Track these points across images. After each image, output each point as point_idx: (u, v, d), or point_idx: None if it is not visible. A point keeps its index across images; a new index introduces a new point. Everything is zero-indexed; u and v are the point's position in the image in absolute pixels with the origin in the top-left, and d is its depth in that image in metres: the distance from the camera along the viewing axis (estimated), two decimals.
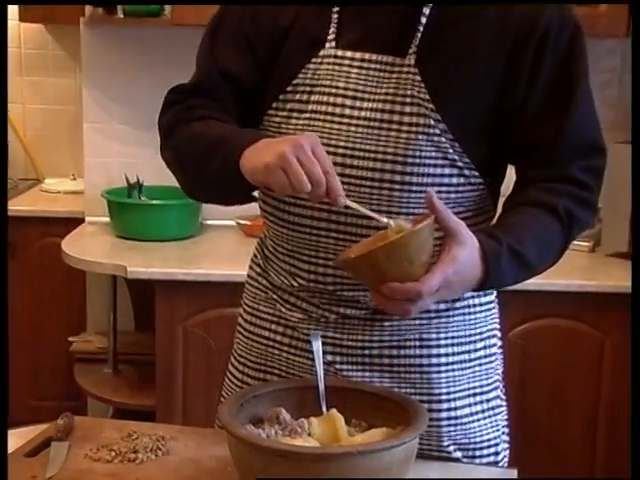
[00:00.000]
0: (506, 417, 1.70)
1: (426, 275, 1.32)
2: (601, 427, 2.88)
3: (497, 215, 1.61)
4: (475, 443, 1.63)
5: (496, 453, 1.66)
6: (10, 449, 1.48)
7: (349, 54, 1.52)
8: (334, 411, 1.43)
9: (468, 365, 1.63)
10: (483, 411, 1.65)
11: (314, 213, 1.50)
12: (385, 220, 1.38)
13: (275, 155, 1.32)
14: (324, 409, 1.46)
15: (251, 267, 1.75)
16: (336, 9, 1.53)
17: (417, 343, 1.59)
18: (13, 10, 3.85)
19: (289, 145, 1.32)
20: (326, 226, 1.50)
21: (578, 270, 2.91)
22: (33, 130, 4.24)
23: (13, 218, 3.62)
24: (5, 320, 2.32)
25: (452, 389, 1.61)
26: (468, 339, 1.63)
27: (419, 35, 1.49)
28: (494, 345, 1.68)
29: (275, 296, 1.66)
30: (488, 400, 1.66)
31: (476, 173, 1.52)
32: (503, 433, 1.69)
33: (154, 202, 3.26)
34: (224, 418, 1.37)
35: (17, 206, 3.75)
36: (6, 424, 1.56)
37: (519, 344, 2.78)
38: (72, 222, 3.46)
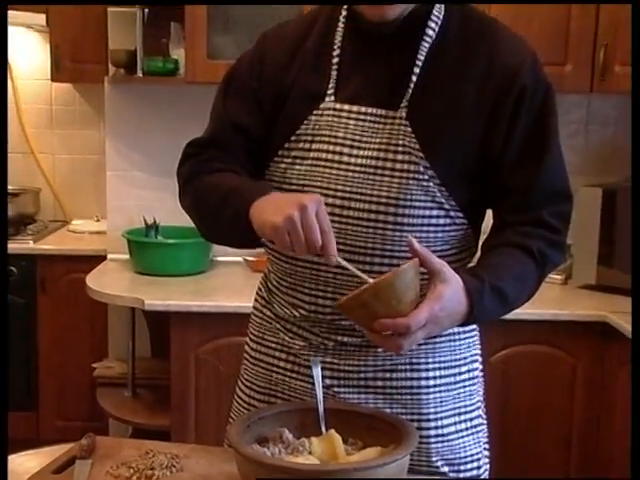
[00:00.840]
0: (487, 434, 1.69)
1: (414, 311, 1.32)
2: (574, 444, 2.87)
3: (477, 252, 1.62)
4: (460, 458, 1.62)
5: (478, 467, 1.65)
6: (38, 467, 1.48)
7: (347, 107, 1.53)
8: (332, 431, 1.42)
9: (453, 387, 1.62)
10: (467, 429, 1.64)
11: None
12: (370, 280, 1.38)
13: (283, 217, 1.32)
14: (323, 429, 1.45)
15: (256, 299, 1.75)
16: (335, 66, 1.54)
17: (407, 367, 1.58)
18: (46, 71, 3.89)
19: (296, 208, 1.32)
20: (325, 261, 1.49)
21: (552, 301, 2.91)
22: (61, 177, 4.25)
23: (43, 256, 3.67)
24: (5, 324, 2.28)
25: (439, 409, 1.60)
26: (453, 364, 1.62)
27: (410, 91, 1.50)
28: (476, 369, 1.68)
29: (278, 326, 1.65)
30: (471, 419, 1.65)
31: (461, 214, 1.53)
32: (484, 449, 1.68)
33: (169, 241, 3.25)
34: (232, 438, 1.36)
35: (46, 245, 3.75)
36: (6, 425, 1.54)
37: (499, 368, 2.77)
38: (95, 259, 3.45)
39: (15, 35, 4.11)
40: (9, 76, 4.17)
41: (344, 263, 1.40)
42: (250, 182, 1.52)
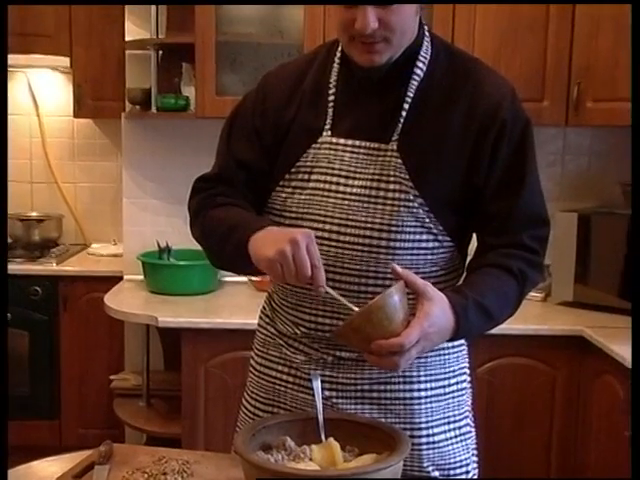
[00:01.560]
0: (475, 441, 1.68)
1: (405, 330, 1.32)
2: (554, 448, 2.86)
3: (463, 273, 1.62)
4: (450, 464, 1.61)
5: (467, 472, 1.64)
6: (60, 471, 1.48)
7: (342, 141, 1.53)
8: (331, 439, 1.41)
9: (443, 398, 1.61)
10: (456, 436, 1.63)
11: None
12: (356, 308, 1.38)
13: (276, 251, 1.34)
14: (323, 438, 1.44)
15: (261, 317, 1.74)
16: (331, 104, 1.54)
17: (400, 380, 1.57)
18: (69, 108, 3.90)
19: (288, 243, 1.34)
20: None
21: (533, 317, 2.90)
22: (82, 204, 4.25)
23: (65, 277, 3.66)
24: (5, 331, 2.25)
25: (430, 418, 1.60)
26: (443, 376, 1.62)
27: (400, 126, 1.50)
28: (465, 381, 1.67)
29: (281, 341, 1.65)
30: (460, 427, 1.64)
31: (448, 238, 1.53)
32: (472, 454, 1.67)
33: (180, 263, 3.24)
34: (239, 445, 1.35)
35: (68, 267, 3.74)
36: (6, 426, 1.53)
37: (485, 379, 2.76)
38: (113, 280, 3.44)
39: (42, 76, 4.14)
40: (36, 113, 4.19)
41: (332, 293, 1.41)
42: (250, 217, 1.53)
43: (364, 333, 1.31)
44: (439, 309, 1.36)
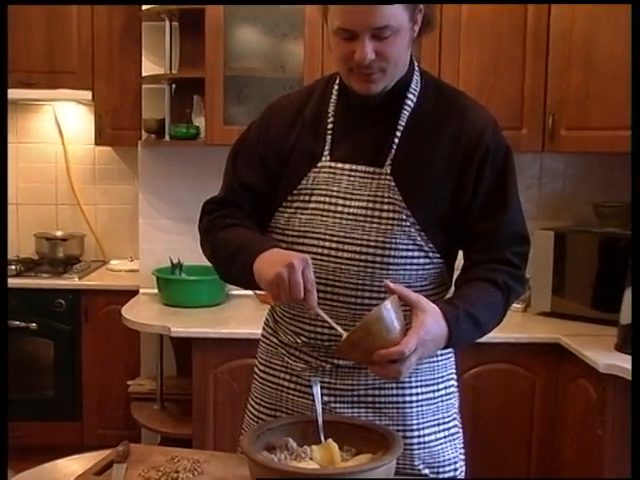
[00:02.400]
0: (462, 440, 1.67)
1: (404, 338, 1.30)
2: (534, 445, 2.84)
3: (451, 286, 1.61)
4: (439, 462, 1.60)
5: (455, 469, 1.62)
6: (82, 469, 1.46)
7: (340, 165, 1.53)
8: (330, 440, 1.40)
9: (433, 401, 1.60)
10: (445, 437, 1.62)
11: None
12: (341, 331, 1.38)
13: (274, 274, 1.35)
14: (322, 439, 1.42)
15: (264, 328, 1.73)
16: (329, 131, 1.54)
17: (393, 385, 1.56)
18: (90, 137, 3.90)
19: (285, 267, 1.35)
20: (322, 296, 1.48)
21: (514, 326, 2.89)
22: (102, 224, 4.24)
23: (86, 290, 3.66)
24: (5, 332, 2.23)
25: (421, 420, 1.58)
26: (432, 382, 1.60)
27: (393, 151, 1.50)
28: (452, 386, 1.66)
29: (283, 350, 1.64)
30: (448, 428, 1.63)
31: (437, 255, 1.52)
32: (460, 453, 1.66)
33: (191, 278, 3.23)
34: (245, 446, 1.35)
35: (89, 281, 3.73)
36: (6, 427, 1.52)
37: (471, 384, 2.75)
38: (130, 293, 3.43)
39: (66, 108, 4.15)
40: (61, 142, 4.19)
41: (322, 314, 1.40)
42: (254, 239, 1.52)
43: (364, 346, 1.29)
44: (433, 319, 1.35)
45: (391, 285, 1.36)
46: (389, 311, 1.30)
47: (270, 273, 1.36)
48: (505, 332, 2.71)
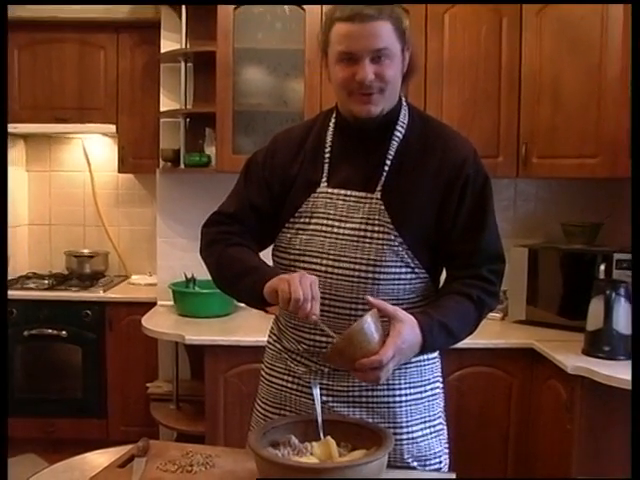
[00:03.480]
0: (447, 436, 1.65)
1: (382, 348, 1.30)
2: (511, 440, 2.82)
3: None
4: (426, 456, 1.59)
5: (440, 462, 1.61)
6: (107, 462, 1.47)
7: (336, 191, 1.52)
8: (329, 437, 1.39)
9: (420, 401, 1.59)
10: (431, 433, 1.60)
11: None
12: (335, 337, 1.38)
13: (289, 276, 1.34)
14: (322, 436, 1.41)
15: (269, 336, 1.73)
16: (327, 160, 1.54)
17: (385, 387, 1.55)
18: (114, 165, 3.90)
19: (298, 274, 1.35)
20: (321, 308, 1.45)
21: (493, 333, 2.89)
22: (124, 243, 4.24)
23: (110, 302, 3.65)
24: (5, 333, 2.21)
25: (410, 418, 1.57)
26: (420, 383, 1.59)
27: (383, 179, 1.50)
28: (438, 387, 1.65)
29: (286, 356, 1.63)
30: (434, 425, 1.61)
31: (423, 271, 1.52)
32: (445, 447, 1.64)
33: (203, 291, 3.21)
34: (252, 442, 1.34)
35: (113, 294, 3.72)
36: (6, 428, 1.51)
37: (455, 385, 2.73)
38: (148, 305, 3.42)
39: (93, 140, 4.16)
40: (88, 170, 4.20)
41: (320, 323, 1.38)
42: (265, 265, 1.50)
43: (348, 354, 1.30)
44: (409, 328, 1.35)
45: (371, 299, 1.36)
46: (369, 324, 1.30)
47: (285, 278, 1.35)
48: (485, 339, 2.72)
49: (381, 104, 1.47)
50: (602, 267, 2.75)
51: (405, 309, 1.40)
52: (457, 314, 1.47)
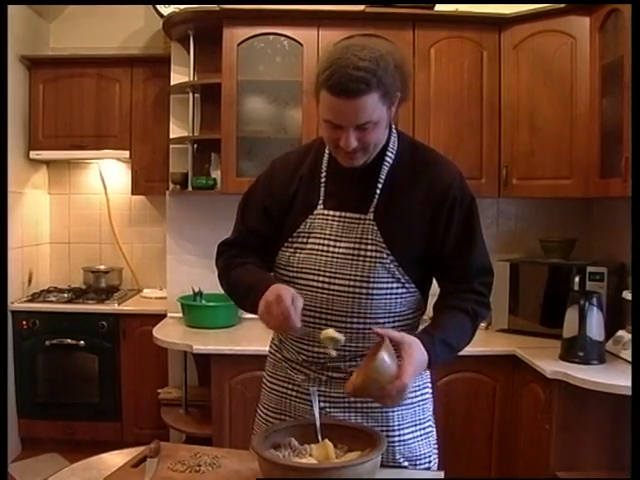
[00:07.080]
0: (436, 438, 1.65)
1: (403, 372, 1.29)
2: (495, 439, 2.81)
3: (426, 310, 1.60)
4: (416, 456, 1.58)
5: (429, 462, 1.60)
6: (121, 462, 1.47)
7: (332, 212, 1.52)
8: (326, 440, 1.39)
9: (411, 406, 1.58)
10: (421, 435, 1.60)
11: (310, 316, 1.50)
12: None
13: (264, 308, 1.35)
14: (320, 439, 1.41)
15: (271, 346, 1.72)
16: (323, 184, 1.54)
17: None
18: (128, 188, 3.90)
19: (264, 302, 1.36)
20: (318, 322, 1.49)
21: (479, 341, 2.83)
22: (137, 259, 4.24)
23: (124, 314, 3.65)
24: (5, 334, 2.19)
25: (401, 421, 1.57)
26: (411, 389, 1.56)
27: (375, 201, 1.50)
28: (427, 392, 1.64)
29: (287, 365, 1.62)
30: (424, 428, 1.61)
31: (413, 286, 1.52)
32: (434, 448, 1.63)
33: (210, 304, 3.22)
34: (255, 445, 1.34)
35: (126, 307, 3.71)
36: (6, 428, 1.49)
37: (443, 389, 2.72)
38: (159, 317, 3.42)
39: (109, 165, 4.17)
40: (104, 192, 4.20)
41: (306, 330, 1.38)
42: (260, 279, 1.49)
43: (377, 381, 1.28)
44: (417, 349, 1.35)
45: (379, 331, 1.34)
46: (388, 352, 1.29)
47: (261, 312, 1.35)
48: (471, 347, 2.58)
49: (364, 158, 1.46)
50: (577, 279, 2.76)
51: (397, 321, 1.40)
52: (455, 329, 1.47)
